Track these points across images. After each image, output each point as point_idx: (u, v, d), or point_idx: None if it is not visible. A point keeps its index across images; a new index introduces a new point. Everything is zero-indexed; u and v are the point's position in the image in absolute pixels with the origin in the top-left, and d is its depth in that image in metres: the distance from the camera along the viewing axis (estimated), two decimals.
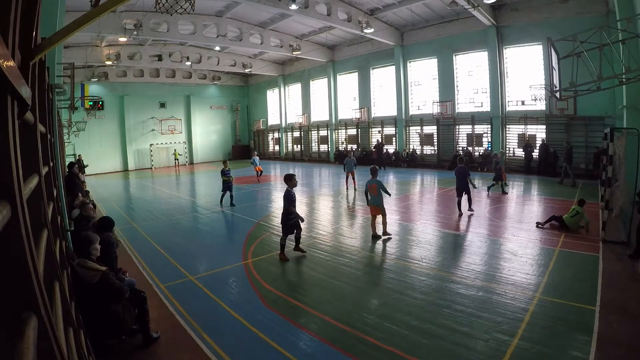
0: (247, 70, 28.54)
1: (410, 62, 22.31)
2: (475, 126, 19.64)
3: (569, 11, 15.44)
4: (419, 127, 22.23)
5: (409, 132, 22.89)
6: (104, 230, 4.71)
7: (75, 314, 2.83)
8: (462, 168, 9.53)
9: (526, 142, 17.21)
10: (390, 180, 16.04)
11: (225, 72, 30.42)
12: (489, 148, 18.78)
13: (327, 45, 25.74)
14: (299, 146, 30.71)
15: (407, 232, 8.28)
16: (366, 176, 17.70)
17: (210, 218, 10.67)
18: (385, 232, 7.82)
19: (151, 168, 29.03)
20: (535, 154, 17.02)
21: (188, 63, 25.27)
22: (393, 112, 23.17)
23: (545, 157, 16.29)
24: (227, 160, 12.95)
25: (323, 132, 28.30)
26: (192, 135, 32.13)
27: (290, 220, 6.68)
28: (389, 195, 7.86)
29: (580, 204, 8.06)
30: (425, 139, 22.10)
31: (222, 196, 11.94)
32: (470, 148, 19.76)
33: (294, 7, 15.97)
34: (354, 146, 25.60)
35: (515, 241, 7.31)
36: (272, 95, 33.64)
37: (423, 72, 21.98)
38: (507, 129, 18.47)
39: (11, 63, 0.96)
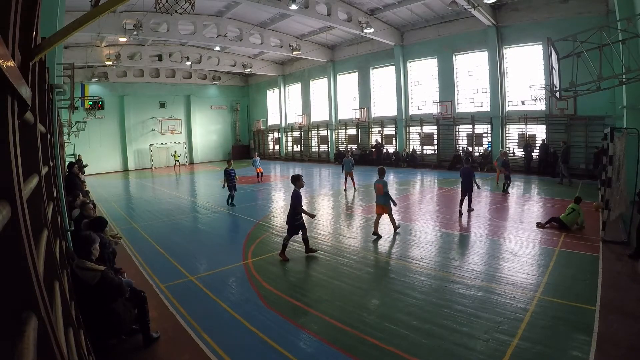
0: (247, 70, 28.54)
1: (410, 62, 22.31)
2: (475, 126, 19.64)
3: (569, 11, 15.44)
4: (419, 127, 22.23)
5: (409, 132, 22.89)
6: (96, 230, 4.69)
7: (75, 314, 2.83)
8: (467, 168, 9.67)
9: (526, 142, 17.21)
10: (390, 180, 16.00)
11: (225, 72, 30.42)
12: (489, 148, 18.79)
13: (327, 45, 25.74)
14: (299, 146, 30.71)
15: (407, 232, 8.28)
16: (366, 176, 17.66)
17: (210, 218, 10.67)
18: (395, 228, 8.07)
19: (151, 168, 29.03)
20: (535, 154, 17.02)
21: (188, 63, 25.27)
22: (393, 112, 23.17)
23: (545, 157, 16.30)
24: (231, 160, 12.73)
25: (323, 132, 28.30)
26: (192, 135, 32.13)
27: (297, 220, 6.70)
28: (394, 204, 7.94)
29: (576, 201, 8.08)
30: (425, 139, 22.10)
31: (229, 196, 11.77)
32: (470, 148, 19.76)
33: (294, 7, 15.97)
34: (354, 146, 25.60)
35: (515, 241, 7.31)
36: (272, 95, 33.64)
37: (423, 72, 21.98)
38: (507, 129, 18.47)
39: (11, 63, 0.96)
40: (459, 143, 20.47)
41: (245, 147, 35.18)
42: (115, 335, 3.96)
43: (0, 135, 0.99)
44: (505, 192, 12.23)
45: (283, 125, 31.90)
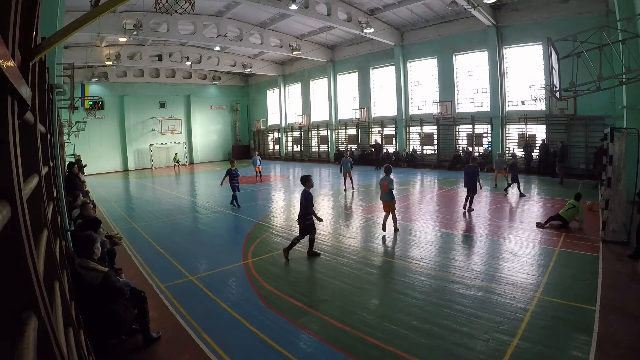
0: (247, 70, 28.55)
1: (410, 62, 22.32)
2: (475, 126, 19.65)
3: (569, 11, 15.44)
4: (419, 127, 22.24)
5: (409, 132, 22.90)
6: (89, 230, 4.68)
7: (75, 314, 2.83)
8: (471, 167, 9.83)
9: (526, 142, 17.21)
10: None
11: (225, 72, 30.43)
12: (489, 148, 18.79)
13: (327, 45, 25.75)
14: (299, 146, 30.71)
15: (407, 232, 8.28)
16: (366, 176, 17.65)
17: (210, 218, 10.67)
18: (395, 228, 8.19)
19: (151, 168, 29.03)
20: (535, 154, 17.03)
21: (188, 63, 25.27)
22: (393, 112, 23.17)
23: (545, 157, 16.31)
24: (234, 160, 12.52)
25: (323, 132, 28.31)
26: (192, 136, 32.14)
27: (307, 220, 6.66)
28: (394, 201, 8.08)
29: (576, 198, 8.11)
30: (425, 139, 22.11)
31: (235, 197, 11.66)
32: (470, 148, 19.76)
33: (294, 7, 15.98)
34: (354, 146, 25.59)
35: (515, 241, 7.31)
36: (272, 95, 33.64)
37: (423, 72, 21.99)
38: (507, 129, 18.48)
39: (11, 63, 0.96)
40: (459, 143, 20.48)
41: (246, 147, 35.20)
42: (115, 335, 3.96)
43: (0, 135, 0.99)
44: (505, 191, 12.19)
45: (283, 125, 31.90)
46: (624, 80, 7.11)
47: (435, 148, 21.48)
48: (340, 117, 27.11)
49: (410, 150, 22.35)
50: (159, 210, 11.94)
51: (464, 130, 20.30)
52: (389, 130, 23.76)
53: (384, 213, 8.25)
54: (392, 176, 8.11)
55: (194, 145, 32.25)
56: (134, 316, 3.90)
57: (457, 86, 20.37)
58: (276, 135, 33.12)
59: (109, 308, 3.65)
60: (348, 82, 26.42)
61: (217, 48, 24.19)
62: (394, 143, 23.44)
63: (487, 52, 18.45)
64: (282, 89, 31.60)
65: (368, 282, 5.68)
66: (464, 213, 9.68)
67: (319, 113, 28.84)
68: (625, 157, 6.82)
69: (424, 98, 21.91)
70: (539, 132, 17.31)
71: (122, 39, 19.45)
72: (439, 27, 20.21)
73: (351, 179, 14.00)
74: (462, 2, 15.27)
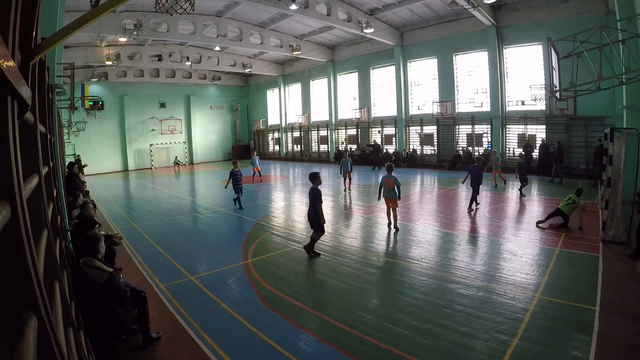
0: (247, 70, 28.55)
1: (410, 62, 22.32)
2: (475, 126, 19.64)
3: (569, 11, 15.44)
4: (419, 127, 22.23)
5: (409, 132, 22.90)
6: (85, 231, 4.68)
7: (75, 314, 2.83)
8: (476, 167, 9.97)
9: (526, 142, 17.20)
10: None
11: (225, 72, 30.42)
12: (489, 148, 18.78)
13: (327, 45, 25.75)
14: (299, 146, 30.71)
15: (407, 232, 8.28)
16: (365, 176, 17.66)
17: (210, 218, 10.66)
18: (395, 225, 8.34)
19: (151, 168, 29.03)
20: (535, 154, 17.02)
21: (188, 63, 25.27)
22: (393, 112, 23.17)
23: (545, 157, 16.29)
24: (237, 161, 12.42)
25: (323, 132, 28.31)
26: (192, 136, 32.14)
27: (320, 218, 6.66)
28: (399, 196, 8.33)
29: (577, 193, 8.14)
30: (425, 139, 22.11)
31: (238, 198, 11.51)
32: (470, 148, 19.76)
33: (294, 7, 15.97)
34: (354, 146, 25.58)
35: (515, 241, 7.31)
36: (272, 95, 33.65)
37: (423, 72, 21.98)
38: (507, 129, 18.48)
39: (11, 63, 0.96)
40: (459, 143, 20.48)
41: (246, 147, 35.19)
42: (115, 335, 3.96)
43: (0, 135, 0.99)
44: (522, 194, 11.68)
45: (283, 125, 31.90)
46: (624, 80, 7.11)
47: (435, 148, 21.48)
48: (340, 117, 27.11)
49: (410, 150, 22.35)
50: (159, 210, 11.94)
51: (464, 130, 20.30)
52: (389, 130, 23.76)
53: (387, 210, 8.53)
54: (393, 174, 8.32)
55: (194, 145, 32.25)
56: (134, 316, 3.90)
57: (457, 86, 20.37)
58: (276, 135, 33.12)
59: (109, 308, 3.65)
60: (348, 82, 26.41)
61: (217, 48, 24.19)
62: (394, 143, 23.44)
63: (487, 52, 18.44)
64: (282, 89, 31.60)
65: (368, 282, 5.68)
66: (469, 213, 9.81)
67: (319, 113, 28.84)
68: (626, 157, 6.82)
69: (424, 98, 21.90)
70: (539, 132, 17.31)
71: (122, 39, 19.45)
72: (439, 27, 20.20)
73: (350, 179, 13.96)
74: (462, 2, 15.27)
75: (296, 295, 5.23)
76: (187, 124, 31.93)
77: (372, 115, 24.82)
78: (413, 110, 22.65)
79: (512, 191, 12.93)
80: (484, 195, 11.97)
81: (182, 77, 30.67)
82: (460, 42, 19.53)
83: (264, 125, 34.23)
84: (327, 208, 11.47)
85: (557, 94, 7.68)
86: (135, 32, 17.29)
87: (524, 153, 16.01)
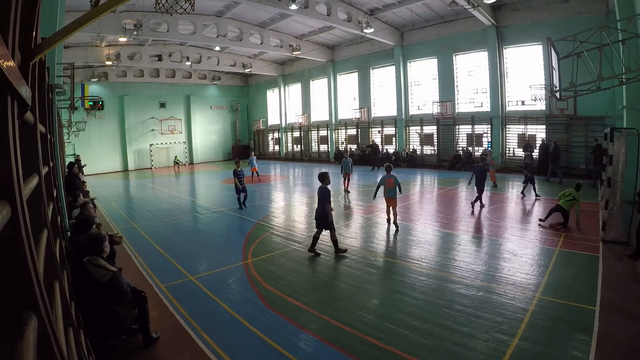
0: (247, 70, 28.55)
1: (410, 62, 22.32)
2: (475, 126, 19.64)
3: (569, 11, 15.44)
4: (419, 127, 22.23)
5: (409, 132, 22.89)
6: (82, 231, 4.68)
7: (75, 314, 2.83)
8: (480, 166, 10.09)
9: (526, 142, 17.19)
10: None
11: (225, 72, 30.43)
12: (489, 148, 18.78)
13: (327, 45, 25.75)
14: (299, 146, 30.71)
15: (407, 232, 8.28)
16: (365, 176, 17.67)
17: (210, 218, 10.66)
18: (395, 224, 8.47)
19: (151, 168, 29.03)
20: (535, 154, 17.01)
21: (188, 63, 25.27)
22: (393, 112, 23.17)
23: (545, 157, 16.26)
24: (240, 160, 12.30)
25: (323, 132, 28.31)
26: (192, 136, 32.14)
27: (328, 217, 6.71)
28: (400, 192, 8.61)
29: (577, 188, 8.14)
30: (425, 139, 22.10)
31: (239, 198, 11.45)
32: (470, 148, 19.76)
33: (294, 7, 15.98)
34: (354, 146, 25.57)
35: (515, 241, 7.31)
36: (272, 95, 33.65)
37: (423, 72, 21.98)
38: (507, 129, 18.47)
39: (11, 63, 0.96)
40: (459, 143, 20.47)
41: (245, 147, 35.16)
42: (115, 335, 3.96)
43: (0, 135, 0.99)
44: (537, 196, 11.28)
45: (283, 125, 31.90)
46: (624, 80, 7.11)
47: (435, 148, 21.47)
48: (340, 117, 27.11)
49: (410, 150, 22.35)
50: (159, 210, 11.94)
51: (464, 130, 20.29)
52: (389, 130, 23.76)
53: (387, 209, 8.72)
54: (392, 173, 8.53)
55: (193, 145, 32.25)
56: (134, 316, 3.91)
57: (457, 86, 20.37)
58: (276, 135, 33.12)
59: (110, 308, 3.65)
60: (348, 82, 26.41)
61: (217, 48, 24.19)
62: (394, 143, 23.44)
63: (487, 52, 18.44)
64: (282, 89, 31.60)
65: (368, 282, 5.68)
66: (481, 207, 10.02)
67: (319, 113, 28.84)
68: (626, 157, 6.82)
69: (424, 98, 21.90)
70: (539, 132, 17.30)
71: (122, 39, 19.45)
72: (439, 27, 20.20)
73: (349, 180, 13.88)
74: (462, 2, 15.27)
75: (296, 295, 5.23)
76: (187, 124, 31.93)
77: (372, 115, 24.82)
78: (413, 110, 22.65)
79: (512, 191, 12.93)
80: (484, 195, 11.94)
81: (182, 77, 30.67)
82: (460, 42, 19.53)
83: (264, 125, 34.23)
84: None
85: (557, 94, 7.68)
86: (135, 32, 17.29)
87: (530, 154, 15.90)
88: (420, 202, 12.01)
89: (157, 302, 5.08)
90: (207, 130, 33.26)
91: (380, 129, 24.21)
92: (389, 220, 8.76)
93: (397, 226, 8.41)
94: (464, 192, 13.21)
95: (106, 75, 26.34)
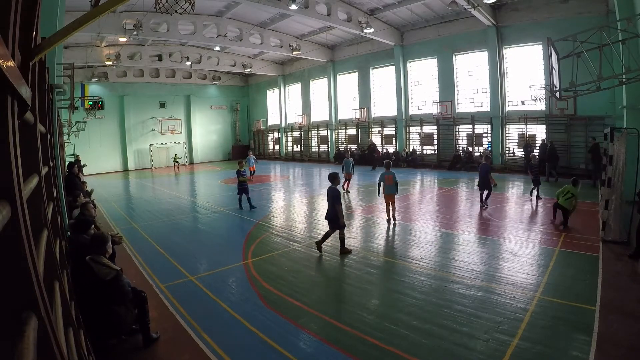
0: (247, 70, 28.55)
1: (410, 62, 22.32)
2: (475, 126, 19.64)
3: (569, 11, 15.44)
4: (419, 127, 22.23)
5: (409, 132, 22.89)
6: (80, 231, 4.67)
7: (75, 314, 2.83)
8: (485, 165, 10.17)
9: (526, 142, 17.19)
10: None
11: (225, 72, 30.42)
12: (489, 148, 18.78)
13: (327, 45, 25.75)
14: (299, 146, 30.70)
15: (407, 232, 8.28)
16: (366, 176, 17.68)
17: (210, 218, 10.66)
18: (394, 217, 8.86)
19: (151, 168, 29.03)
20: (535, 153, 17.00)
21: (188, 63, 25.27)
22: (393, 112, 23.17)
23: (544, 157, 16.27)
24: (243, 161, 12.20)
25: (323, 132, 28.31)
26: (192, 136, 32.14)
27: (340, 218, 6.76)
28: (397, 192, 8.89)
29: (574, 183, 8.13)
30: (425, 139, 22.10)
31: (240, 199, 11.35)
32: (470, 148, 19.76)
33: (294, 7, 15.97)
34: (353, 146, 25.55)
35: (515, 241, 7.31)
36: (272, 95, 33.64)
37: (423, 72, 21.98)
38: (507, 129, 18.48)
39: (11, 63, 0.96)
40: (459, 143, 20.47)
41: (246, 147, 35.14)
42: (115, 335, 3.96)
43: (0, 135, 0.99)
44: (538, 197, 11.12)
45: (283, 125, 31.90)
46: (624, 80, 7.11)
47: (435, 148, 21.47)
48: (340, 117, 27.11)
49: (410, 150, 22.34)
50: (159, 210, 11.94)
51: (464, 130, 20.29)
52: (389, 130, 23.75)
53: (386, 206, 9.00)
54: (391, 170, 8.86)
55: (193, 145, 32.24)
56: (134, 316, 3.91)
57: (457, 86, 20.37)
58: (276, 135, 33.12)
59: (110, 308, 3.65)
60: (348, 82, 26.41)
61: (217, 48, 24.18)
62: (394, 143, 23.43)
63: (487, 52, 18.44)
64: (282, 89, 31.59)
65: (368, 282, 5.68)
66: (481, 208, 10.08)
67: (319, 113, 28.84)
68: (626, 157, 6.82)
69: (424, 98, 21.90)
70: (539, 132, 17.29)
71: (122, 39, 19.45)
72: (439, 27, 20.20)
73: (349, 181, 13.82)
74: (462, 2, 15.27)
75: (296, 295, 5.24)
76: (187, 124, 31.93)
77: (372, 115, 24.82)
78: (413, 110, 22.65)
79: (512, 191, 12.93)
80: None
81: (182, 77, 30.67)
82: (460, 42, 19.53)
83: (264, 125, 34.23)
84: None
85: (557, 94, 7.68)
86: (135, 32, 17.28)
87: (536, 155, 15.76)
88: (420, 202, 12.01)
89: (157, 302, 5.08)
90: (207, 130, 33.25)
91: (380, 129, 24.21)
92: (389, 220, 8.86)
93: (394, 219, 8.79)
94: (464, 192, 13.22)
95: (106, 75, 26.34)
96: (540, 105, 16.91)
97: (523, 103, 17.91)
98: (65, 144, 19.24)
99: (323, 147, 28.58)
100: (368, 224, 9.21)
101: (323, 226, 9.10)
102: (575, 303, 4.65)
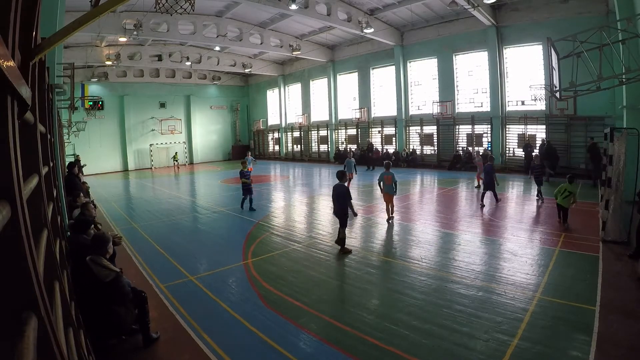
0: (247, 70, 28.55)
1: (410, 62, 22.32)
2: (475, 126, 19.64)
3: (569, 11, 15.44)
4: (419, 127, 22.23)
5: (409, 132, 22.89)
6: (79, 231, 4.67)
7: (75, 314, 2.83)
8: (489, 165, 10.31)
9: (526, 142, 17.20)
10: None
11: (225, 72, 30.43)
12: (489, 148, 18.78)
13: (327, 45, 25.75)
14: (299, 146, 30.70)
15: (407, 232, 8.28)
16: (365, 176, 17.69)
17: (210, 218, 10.66)
18: (392, 213, 9.07)
19: (151, 168, 29.03)
20: (535, 153, 17.00)
21: (188, 63, 25.27)
22: (393, 112, 23.17)
23: (543, 157, 16.27)
24: (246, 161, 12.15)
25: (323, 132, 28.31)
26: (192, 136, 32.14)
27: (347, 214, 6.92)
28: (395, 192, 8.96)
29: (570, 181, 8.13)
30: (425, 139, 22.11)
31: (243, 200, 11.27)
32: (470, 148, 19.76)
33: (294, 7, 15.97)
34: (354, 146, 25.56)
35: (515, 241, 7.31)
36: (272, 95, 33.65)
37: (423, 72, 21.98)
38: (507, 129, 18.48)
39: (11, 63, 0.96)
40: (459, 143, 20.47)
41: (246, 147, 35.14)
42: (115, 335, 3.96)
43: (0, 135, 0.99)
44: (541, 198, 10.92)
45: (283, 125, 31.91)
46: (624, 80, 7.11)
47: (435, 148, 21.48)
48: (340, 117, 27.11)
49: (410, 150, 22.34)
50: (159, 210, 11.94)
51: (464, 130, 20.29)
52: (389, 130, 23.75)
53: (385, 205, 9.13)
54: (390, 171, 8.86)
55: (193, 145, 32.25)
56: (134, 316, 3.91)
57: (457, 86, 20.37)
58: (276, 135, 33.12)
59: (110, 308, 3.65)
60: (348, 82, 26.41)
61: (217, 48, 24.19)
62: (394, 143, 23.43)
63: (487, 52, 18.44)
64: (282, 89, 31.60)
65: (368, 282, 5.68)
66: (482, 207, 10.20)
67: (319, 113, 28.84)
68: (626, 157, 6.82)
69: (424, 98, 21.90)
70: (539, 132, 17.29)
71: (122, 39, 19.44)
72: (439, 27, 20.20)
73: (349, 181, 13.78)
74: (462, 2, 15.27)
75: (296, 295, 5.23)
76: (187, 124, 31.93)
77: (372, 115, 24.82)
78: (413, 110, 22.65)
79: (512, 191, 12.93)
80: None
81: (182, 77, 30.67)
82: (460, 42, 19.53)
83: (264, 125, 34.23)
84: (327, 208, 11.46)
85: (557, 94, 7.68)
86: (135, 32, 17.28)
87: (538, 154, 15.70)
88: (420, 202, 12.01)
89: (157, 302, 5.08)
90: (207, 130, 33.26)
91: (380, 129, 24.21)
92: (389, 220, 8.92)
93: (392, 217, 9.00)
94: (464, 192, 13.22)
95: (106, 75, 26.34)
96: (540, 105, 16.91)
97: (523, 103, 17.91)
98: (65, 144, 19.24)
99: (323, 147, 28.58)
100: (368, 224, 9.21)
101: (323, 226, 9.11)
102: (575, 303, 4.65)
